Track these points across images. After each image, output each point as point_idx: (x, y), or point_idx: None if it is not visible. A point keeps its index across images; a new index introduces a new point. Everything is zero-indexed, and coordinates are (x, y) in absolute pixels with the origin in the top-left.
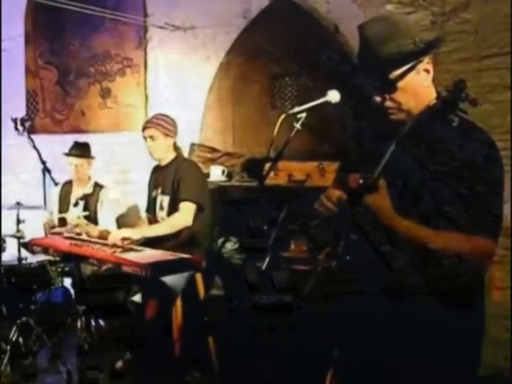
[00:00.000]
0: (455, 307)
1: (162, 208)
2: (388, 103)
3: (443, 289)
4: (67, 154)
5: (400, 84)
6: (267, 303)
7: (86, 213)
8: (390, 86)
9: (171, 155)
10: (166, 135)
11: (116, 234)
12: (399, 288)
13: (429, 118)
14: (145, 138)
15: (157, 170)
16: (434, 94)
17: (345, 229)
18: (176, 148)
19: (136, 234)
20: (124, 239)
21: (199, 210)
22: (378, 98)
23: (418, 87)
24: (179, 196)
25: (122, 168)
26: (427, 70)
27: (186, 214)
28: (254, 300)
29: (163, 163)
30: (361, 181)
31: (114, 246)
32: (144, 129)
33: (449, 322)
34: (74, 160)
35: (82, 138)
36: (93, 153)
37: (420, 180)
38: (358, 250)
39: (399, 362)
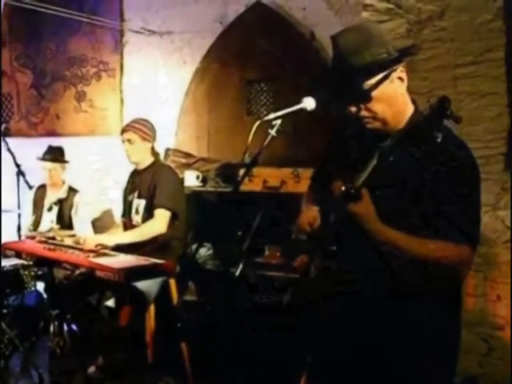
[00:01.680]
0: (435, 311)
1: (137, 212)
2: (363, 113)
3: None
4: (41, 159)
5: (375, 93)
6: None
7: (58, 226)
8: (365, 96)
9: (149, 159)
10: (144, 139)
11: (90, 241)
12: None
13: (413, 134)
14: (123, 141)
15: (134, 174)
16: (409, 102)
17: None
18: (154, 153)
19: (110, 240)
20: (98, 246)
21: (174, 217)
22: (353, 108)
23: (392, 96)
24: (154, 202)
25: (96, 172)
26: (401, 78)
27: (161, 221)
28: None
29: (140, 167)
30: (343, 188)
31: (88, 250)
32: (122, 132)
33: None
34: (48, 164)
35: (56, 141)
36: (67, 156)
37: (401, 189)
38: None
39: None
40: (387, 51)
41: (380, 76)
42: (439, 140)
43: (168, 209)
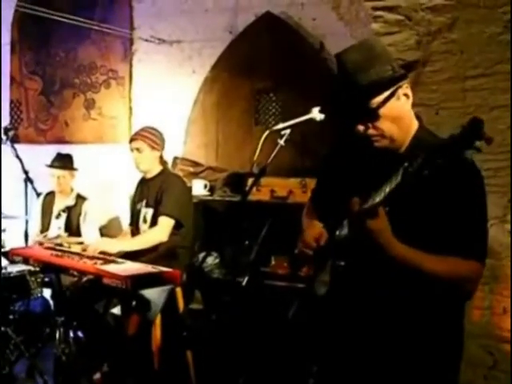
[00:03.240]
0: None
1: (145, 221)
2: (371, 131)
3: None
4: (49, 166)
5: (382, 111)
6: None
7: (66, 234)
8: (372, 114)
9: (157, 168)
10: (153, 148)
11: (93, 248)
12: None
13: (442, 154)
14: (131, 149)
15: (142, 182)
16: (413, 118)
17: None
18: (162, 161)
19: (113, 247)
20: (102, 253)
21: (178, 225)
22: (361, 127)
23: (399, 113)
24: (159, 209)
25: (105, 180)
26: (407, 95)
27: (163, 229)
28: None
29: (149, 176)
30: (360, 207)
31: (95, 257)
32: (131, 141)
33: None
34: (56, 172)
35: (65, 148)
36: (76, 164)
37: (416, 206)
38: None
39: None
40: (392, 68)
41: (387, 93)
42: (469, 161)
43: (171, 217)
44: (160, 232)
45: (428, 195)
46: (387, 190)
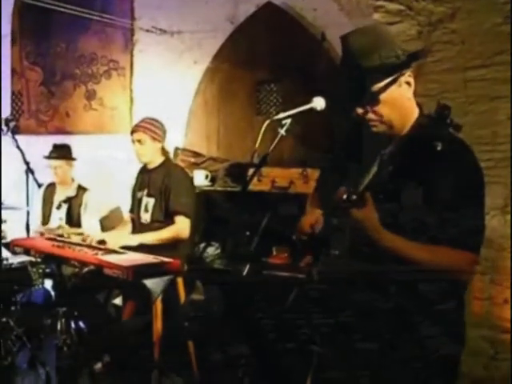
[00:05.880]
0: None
1: (146, 210)
2: (370, 115)
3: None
4: (46, 157)
5: (382, 96)
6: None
7: (66, 226)
8: (373, 99)
9: (159, 159)
10: (154, 139)
11: (114, 242)
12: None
13: (412, 143)
14: (133, 141)
15: (143, 171)
16: (415, 106)
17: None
18: (164, 152)
19: (134, 241)
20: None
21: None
22: (360, 110)
23: (399, 100)
24: (173, 207)
25: (106, 170)
26: (409, 83)
27: (185, 228)
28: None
29: (150, 166)
30: (345, 196)
31: (96, 248)
32: (132, 132)
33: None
34: (53, 162)
35: (66, 139)
36: (76, 155)
37: (402, 196)
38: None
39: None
40: (396, 55)
41: (388, 79)
42: (439, 148)
43: (189, 217)
44: (183, 230)
45: (416, 184)
46: (367, 178)
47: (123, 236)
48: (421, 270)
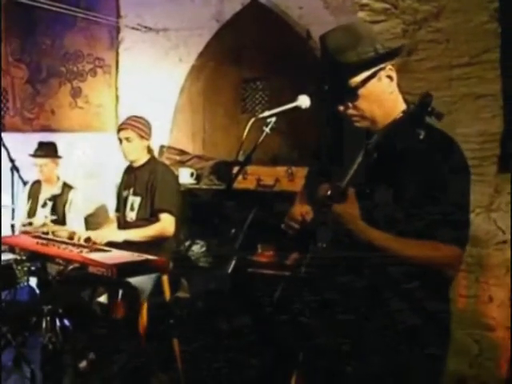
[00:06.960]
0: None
1: (132, 209)
2: (351, 111)
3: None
4: (32, 155)
5: (361, 91)
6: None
7: (54, 217)
8: (352, 94)
9: (145, 157)
10: (142, 137)
11: (101, 238)
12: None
13: (395, 131)
14: (120, 139)
15: (129, 170)
16: (400, 101)
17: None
18: (149, 150)
19: (120, 236)
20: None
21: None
22: (341, 107)
23: (380, 94)
24: (158, 205)
25: (90, 168)
26: (390, 77)
27: (170, 225)
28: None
29: (136, 164)
30: (329, 192)
31: (81, 245)
32: (119, 130)
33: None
34: (39, 160)
35: (51, 137)
36: (62, 152)
37: (387, 188)
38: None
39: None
40: (375, 50)
41: (366, 74)
42: (421, 137)
43: (173, 215)
44: (168, 227)
45: (401, 175)
46: (351, 172)
47: (108, 231)
48: (390, 255)
